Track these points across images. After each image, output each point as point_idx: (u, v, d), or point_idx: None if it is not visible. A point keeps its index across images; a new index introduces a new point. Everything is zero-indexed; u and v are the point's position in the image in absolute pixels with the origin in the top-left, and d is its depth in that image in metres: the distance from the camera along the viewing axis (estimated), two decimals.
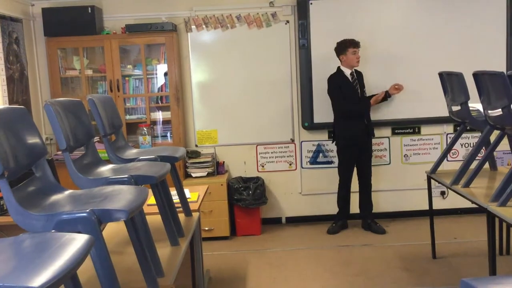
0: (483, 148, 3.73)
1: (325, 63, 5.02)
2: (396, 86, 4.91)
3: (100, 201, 1.77)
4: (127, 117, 5.07)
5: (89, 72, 5.04)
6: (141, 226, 2.13)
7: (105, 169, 2.36)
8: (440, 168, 4.06)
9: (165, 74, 5.05)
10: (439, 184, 4.08)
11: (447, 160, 5.11)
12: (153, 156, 2.65)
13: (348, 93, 4.81)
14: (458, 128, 4.15)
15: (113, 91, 4.92)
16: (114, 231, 2.87)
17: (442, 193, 5.32)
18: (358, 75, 4.88)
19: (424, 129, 5.30)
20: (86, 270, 1.89)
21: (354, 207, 5.07)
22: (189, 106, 5.23)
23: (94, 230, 1.62)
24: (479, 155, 3.70)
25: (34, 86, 5.01)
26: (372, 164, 5.01)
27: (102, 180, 2.13)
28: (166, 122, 5.13)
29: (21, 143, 1.80)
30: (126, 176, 2.16)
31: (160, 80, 5.13)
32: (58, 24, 4.82)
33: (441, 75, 3.95)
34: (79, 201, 1.82)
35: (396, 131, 5.28)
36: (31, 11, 5.03)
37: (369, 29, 5.06)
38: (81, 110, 2.36)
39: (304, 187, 5.35)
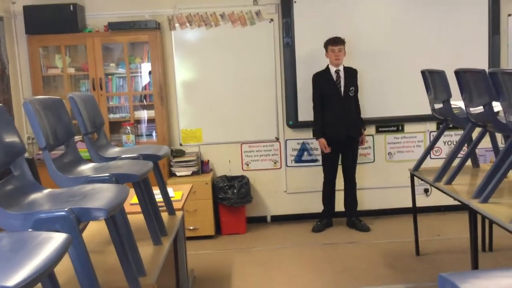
0: (466, 145, 3.76)
1: (309, 61, 5.04)
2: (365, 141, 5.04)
3: (79, 200, 1.75)
4: (111, 116, 5.03)
5: (72, 70, 4.99)
6: (122, 224, 2.11)
7: (86, 168, 2.33)
8: (423, 166, 4.09)
9: (149, 72, 5.01)
10: (423, 182, 4.10)
11: (430, 158, 5.14)
12: (135, 155, 2.63)
13: (329, 91, 4.82)
14: (441, 125, 4.18)
15: (96, 90, 4.87)
16: (97, 230, 2.84)
17: (426, 190, 5.36)
18: (348, 73, 4.86)
19: (408, 127, 5.34)
20: (67, 270, 1.87)
21: (339, 205, 5.09)
22: (173, 105, 5.20)
23: (73, 229, 1.60)
24: (461, 152, 3.74)
25: (16, 85, 4.94)
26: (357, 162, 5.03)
27: (82, 179, 2.11)
28: (150, 120, 5.10)
29: None
30: (107, 174, 2.14)
31: (144, 79, 5.09)
32: (39, 22, 4.76)
33: (423, 73, 3.98)
34: (58, 199, 1.80)
35: (380, 129, 5.31)
36: (12, 9, 4.96)
37: (353, 28, 5.07)
38: (61, 108, 2.33)
39: (289, 185, 5.35)
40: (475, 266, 3.06)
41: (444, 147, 5.35)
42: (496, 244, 4.23)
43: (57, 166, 2.14)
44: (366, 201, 5.31)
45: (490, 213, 2.75)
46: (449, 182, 3.46)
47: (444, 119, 3.90)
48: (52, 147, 2.13)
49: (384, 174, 5.34)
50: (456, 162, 3.56)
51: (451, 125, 4.05)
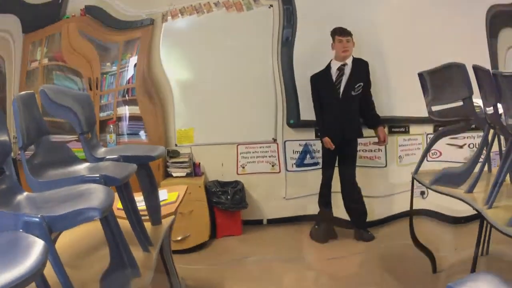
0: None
1: (311, 54, 4.83)
2: (382, 140, 4.86)
3: (74, 200, 1.77)
4: (101, 114, 4.95)
5: (45, 61, 4.87)
6: (115, 225, 2.13)
7: (80, 168, 2.36)
8: (421, 168, 3.84)
9: (135, 65, 4.90)
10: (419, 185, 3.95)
11: (427, 161, 4.81)
12: (122, 155, 2.61)
13: (327, 93, 4.74)
14: (439, 128, 4.07)
15: (93, 90, 4.83)
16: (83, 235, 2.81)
17: (422, 192, 5.06)
18: (356, 67, 4.67)
19: (413, 129, 5.04)
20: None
21: (340, 211, 4.87)
22: (169, 104, 5.04)
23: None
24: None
25: (11, 84, 4.95)
26: (358, 165, 4.84)
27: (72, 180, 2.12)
28: (137, 118, 4.95)
29: None
30: (97, 175, 2.14)
31: (129, 73, 4.94)
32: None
33: (420, 75, 3.75)
34: (36, 203, 1.81)
35: (392, 129, 5.02)
36: None
37: (359, 18, 4.76)
38: (33, 103, 2.30)
39: (288, 191, 5.10)
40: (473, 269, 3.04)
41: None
42: (491, 247, 4.16)
43: (30, 167, 2.13)
44: (376, 209, 4.95)
45: (489, 216, 2.74)
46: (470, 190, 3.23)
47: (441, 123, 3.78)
48: (26, 146, 2.14)
49: (395, 179, 5.00)
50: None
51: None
